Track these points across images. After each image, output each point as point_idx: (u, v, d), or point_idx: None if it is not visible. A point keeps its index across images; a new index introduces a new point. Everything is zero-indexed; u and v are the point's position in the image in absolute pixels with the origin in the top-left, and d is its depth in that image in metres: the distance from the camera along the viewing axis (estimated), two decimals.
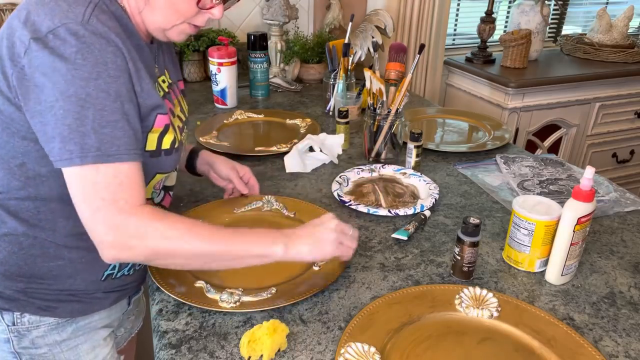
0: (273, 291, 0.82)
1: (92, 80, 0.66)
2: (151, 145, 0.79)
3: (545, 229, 0.87)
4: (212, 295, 0.81)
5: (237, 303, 0.80)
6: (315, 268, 0.88)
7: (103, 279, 0.87)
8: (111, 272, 0.87)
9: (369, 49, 1.83)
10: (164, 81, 0.88)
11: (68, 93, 0.65)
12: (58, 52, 0.65)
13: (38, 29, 0.67)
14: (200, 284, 0.84)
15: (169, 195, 0.96)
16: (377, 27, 1.86)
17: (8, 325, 0.82)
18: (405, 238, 0.98)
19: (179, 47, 1.82)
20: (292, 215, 1.04)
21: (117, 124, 0.69)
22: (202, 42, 1.85)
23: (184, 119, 0.94)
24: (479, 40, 2.34)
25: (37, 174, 0.75)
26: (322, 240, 0.78)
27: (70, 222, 0.78)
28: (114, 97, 0.68)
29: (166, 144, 0.81)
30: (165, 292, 0.82)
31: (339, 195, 1.12)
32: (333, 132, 1.43)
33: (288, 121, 1.55)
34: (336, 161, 1.32)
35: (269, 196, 1.09)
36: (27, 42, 0.66)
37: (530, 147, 2.28)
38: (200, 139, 1.39)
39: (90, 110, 0.66)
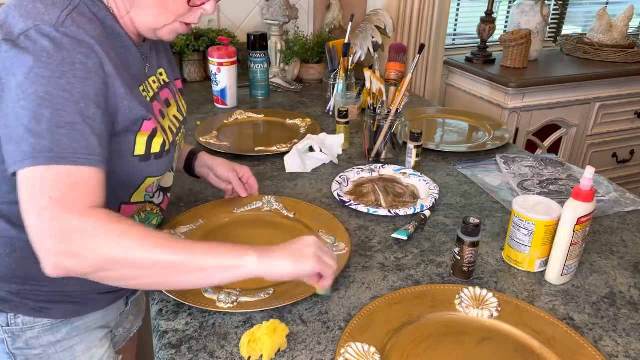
0: (271, 291, 0.82)
1: (54, 79, 0.63)
2: (140, 149, 0.77)
3: (545, 229, 0.87)
4: (210, 295, 0.81)
5: (235, 303, 0.80)
6: None
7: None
8: None
9: (369, 49, 1.83)
10: (154, 81, 0.86)
11: (29, 92, 0.63)
12: (26, 52, 0.64)
13: (11, 31, 0.66)
14: None
15: (167, 197, 0.96)
16: (377, 27, 1.86)
17: (2, 326, 0.82)
18: (405, 238, 0.98)
19: (178, 47, 1.81)
20: (292, 216, 1.04)
21: (75, 126, 0.64)
22: (202, 42, 1.85)
23: (181, 119, 0.93)
24: (479, 40, 2.34)
25: None
26: (300, 255, 0.71)
27: None
28: (76, 99, 0.65)
29: (156, 147, 0.79)
30: (164, 292, 0.82)
31: (339, 195, 1.12)
32: (333, 132, 1.43)
33: (288, 121, 1.55)
34: (336, 161, 1.32)
35: (269, 196, 1.09)
36: None
37: (530, 147, 2.28)
38: (200, 139, 1.39)
39: (47, 110, 0.63)
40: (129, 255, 0.63)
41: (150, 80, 0.85)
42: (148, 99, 0.81)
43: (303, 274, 0.72)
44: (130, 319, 1.08)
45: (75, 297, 0.85)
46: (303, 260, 0.70)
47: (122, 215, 0.68)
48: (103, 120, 0.68)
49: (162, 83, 0.89)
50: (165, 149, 0.82)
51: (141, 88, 0.80)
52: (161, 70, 0.89)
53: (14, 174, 0.64)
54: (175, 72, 0.96)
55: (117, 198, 0.80)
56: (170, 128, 0.87)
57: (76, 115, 0.64)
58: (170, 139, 0.85)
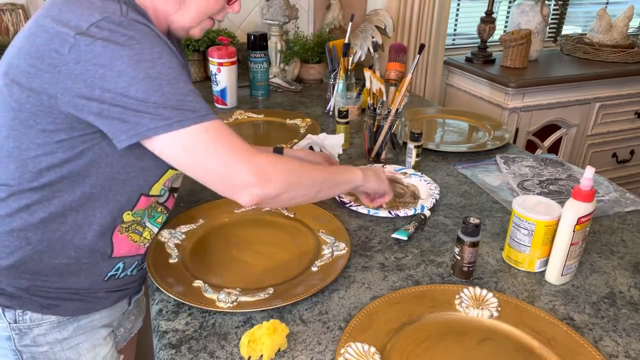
0: (271, 291, 0.82)
1: (156, 60, 0.69)
2: None
3: (545, 229, 0.87)
4: (210, 295, 0.81)
5: (234, 303, 0.80)
6: (314, 269, 0.88)
7: (106, 279, 0.87)
8: (115, 272, 0.88)
9: (369, 49, 1.83)
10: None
11: (139, 77, 0.67)
12: (111, 42, 0.67)
13: (78, 25, 0.67)
14: (198, 283, 0.84)
15: (173, 197, 0.97)
16: (377, 27, 1.86)
17: (10, 323, 0.83)
18: (405, 238, 0.98)
19: None
20: (292, 216, 1.04)
21: (192, 92, 0.72)
22: (202, 42, 1.85)
23: None
24: (479, 40, 2.34)
25: (50, 165, 0.75)
26: (382, 178, 1.00)
27: (80, 216, 0.79)
28: (179, 72, 0.72)
29: None
30: (164, 292, 0.82)
31: (339, 196, 1.12)
32: (333, 132, 1.43)
33: (288, 121, 1.55)
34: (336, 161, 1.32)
35: None
36: (72, 38, 0.67)
37: (530, 147, 2.28)
38: None
39: (167, 87, 0.69)
40: (300, 179, 0.80)
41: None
42: None
43: (380, 191, 1.01)
44: (131, 319, 1.09)
45: (83, 294, 0.86)
46: (383, 184, 1.00)
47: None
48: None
49: None
50: None
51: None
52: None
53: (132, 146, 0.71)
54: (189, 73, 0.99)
55: (138, 188, 0.82)
56: None
57: (188, 84, 0.73)
58: None
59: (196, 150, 0.71)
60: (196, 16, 0.82)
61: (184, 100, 0.70)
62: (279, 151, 1.10)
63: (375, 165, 1.01)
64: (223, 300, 0.80)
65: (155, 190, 0.86)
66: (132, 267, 0.90)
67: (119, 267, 0.88)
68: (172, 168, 0.85)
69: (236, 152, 0.73)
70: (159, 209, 0.94)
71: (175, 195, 0.98)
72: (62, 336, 0.87)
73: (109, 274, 0.87)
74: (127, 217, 0.85)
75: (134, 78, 0.67)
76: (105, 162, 0.77)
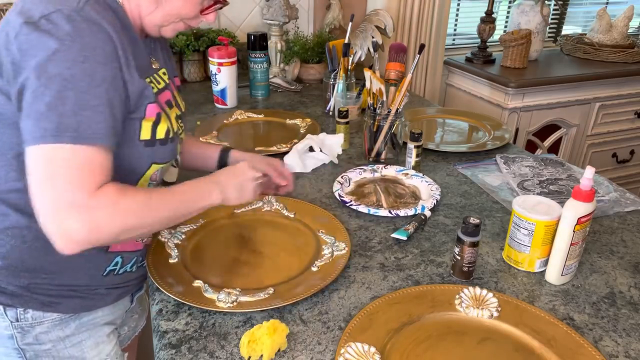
0: (271, 291, 0.82)
1: (78, 62, 0.67)
2: (145, 134, 0.80)
3: (545, 229, 0.87)
4: (210, 295, 0.81)
5: (234, 303, 0.80)
6: (314, 269, 0.88)
7: (105, 274, 0.87)
8: (113, 267, 0.88)
9: (369, 49, 1.83)
10: (164, 73, 0.89)
11: (52, 73, 0.65)
12: (48, 34, 0.66)
13: (31, 15, 0.68)
14: (198, 283, 0.84)
15: None
16: (377, 27, 1.86)
17: (12, 322, 0.83)
18: (405, 238, 0.98)
19: (178, 47, 1.81)
20: (292, 216, 1.04)
21: (97, 109, 0.68)
22: (202, 42, 1.85)
23: (178, 113, 0.94)
24: (479, 40, 2.34)
25: None
26: (246, 189, 0.89)
27: None
28: (98, 82, 0.68)
29: (160, 133, 0.82)
30: (164, 292, 0.82)
31: (339, 195, 1.12)
32: (333, 132, 1.43)
33: (288, 121, 1.55)
34: (336, 161, 1.32)
35: (269, 196, 1.09)
36: (18, 26, 0.67)
37: (530, 147, 2.28)
38: (201, 139, 1.39)
39: (72, 92, 0.66)
40: (141, 221, 0.73)
41: (161, 72, 0.88)
42: (155, 89, 0.84)
43: (245, 202, 0.92)
44: (135, 318, 1.09)
45: (83, 291, 0.86)
46: (247, 193, 0.89)
47: (123, 185, 0.73)
48: (119, 104, 0.73)
49: (167, 82, 0.91)
50: (170, 136, 0.84)
51: (147, 80, 0.82)
52: (164, 70, 0.91)
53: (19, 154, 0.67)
54: (173, 70, 0.98)
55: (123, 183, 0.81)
56: (176, 117, 0.90)
57: (98, 99, 0.68)
58: (175, 127, 0.88)
59: (44, 166, 0.66)
60: (168, 16, 0.82)
61: (77, 112, 0.66)
62: (226, 151, 1.10)
63: (240, 164, 0.91)
64: (223, 300, 0.80)
65: (142, 184, 0.85)
66: (131, 262, 0.90)
67: (117, 262, 0.87)
68: (156, 163, 0.84)
69: (73, 190, 0.66)
70: None
71: None
72: (64, 334, 0.87)
73: (108, 269, 0.87)
74: None
75: (47, 72, 0.65)
76: None
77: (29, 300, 0.82)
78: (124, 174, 0.80)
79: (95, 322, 0.91)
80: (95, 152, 0.68)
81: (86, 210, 0.67)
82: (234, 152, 1.10)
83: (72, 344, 0.88)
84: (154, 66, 0.87)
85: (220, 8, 0.87)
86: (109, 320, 0.94)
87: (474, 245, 0.86)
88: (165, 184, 0.95)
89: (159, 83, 0.86)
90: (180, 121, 0.94)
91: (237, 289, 0.82)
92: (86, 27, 0.68)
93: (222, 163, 1.10)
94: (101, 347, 0.93)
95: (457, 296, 0.82)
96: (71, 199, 0.66)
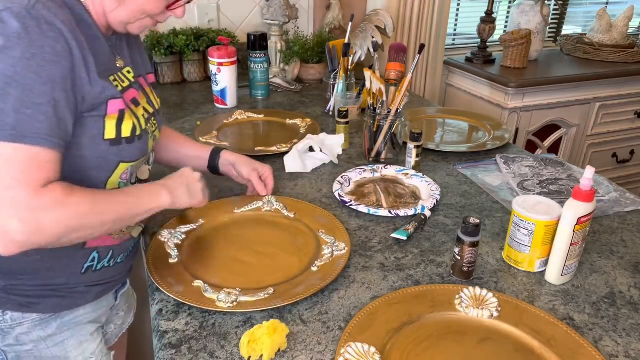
0: (271, 291, 0.82)
1: (24, 60, 0.66)
2: (110, 133, 0.78)
3: (545, 229, 0.87)
4: (210, 295, 0.81)
5: (234, 303, 0.80)
6: (314, 269, 0.88)
7: (83, 271, 0.86)
8: (91, 264, 0.86)
9: (369, 49, 1.83)
10: (129, 72, 0.87)
11: None
12: None
13: None
14: (198, 283, 0.84)
15: None
16: (377, 27, 1.86)
17: None
18: (405, 238, 0.98)
19: (178, 47, 1.81)
20: (292, 216, 1.04)
21: (41, 108, 0.67)
22: (202, 42, 1.85)
23: (151, 110, 0.92)
24: (479, 40, 2.34)
25: None
26: (195, 190, 0.90)
27: None
28: (44, 81, 0.67)
29: (126, 131, 0.80)
30: (164, 291, 0.82)
31: (339, 195, 1.12)
32: (333, 132, 1.43)
33: (288, 121, 1.55)
34: (336, 161, 1.32)
35: (270, 196, 1.09)
36: None
37: (530, 147, 2.28)
38: (201, 139, 1.39)
39: (15, 89, 0.65)
40: (85, 222, 0.71)
41: (125, 70, 0.86)
42: (120, 88, 0.82)
43: (196, 205, 0.92)
44: (121, 315, 1.08)
45: (62, 290, 0.85)
46: (197, 194, 0.90)
47: (69, 185, 0.72)
48: (68, 104, 0.71)
49: (132, 80, 0.88)
50: (137, 134, 0.83)
51: (112, 78, 0.80)
52: (128, 68, 0.88)
53: None
54: (146, 66, 0.96)
55: (91, 184, 0.80)
56: (143, 115, 0.87)
57: (42, 97, 0.67)
58: (143, 125, 0.86)
59: None
60: (133, 13, 0.80)
61: (18, 110, 0.65)
62: (216, 152, 1.09)
63: (184, 168, 0.92)
64: (223, 300, 0.80)
65: (112, 184, 0.83)
66: (108, 257, 0.88)
67: (94, 258, 0.86)
68: (123, 161, 0.83)
69: (16, 188, 0.65)
70: None
71: None
72: (45, 333, 0.86)
73: (86, 266, 0.85)
74: None
75: None
76: None
77: (6, 302, 0.81)
78: (91, 173, 0.79)
79: (77, 321, 0.90)
80: (38, 151, 0.67)
81: (28, 209, 0.65)
82: (224, 153, 1.09)
83: (54, 344, 0.87)
84: (118, 64, 0.84)
85: (189, 2, 0.84)
86: (92, 319, 0.93)
87: (474, 245, 0.86)
88: (139, 182, 0.93)
89: (123, 82, 0.84)
90: (153, 119, 0.92)
91: (237, 289, 0.82)
92: (35, 25, 0.67)
93: (213, 164, 1.09)
94: (85, 346, 0.91)
95: (457, 296, 0.82)
96: (12, 197, 0.65)
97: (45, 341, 0.87)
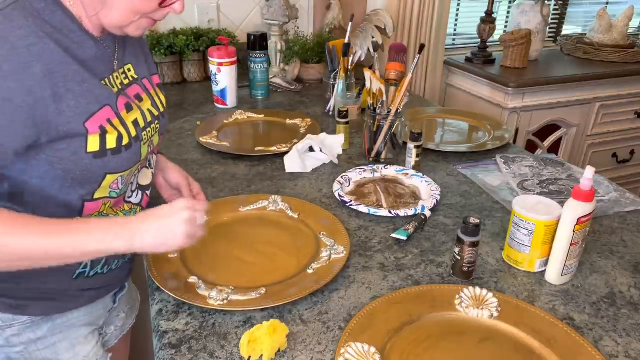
0: (262, 291, 0.82)
1: None
2: (93, 146, 0.74)
3: (545, 229, 0.87)
4: (202, 291, 0.82)
5: (225, 301, 0.80)
6: (309, 271, 0.88)
7: (75, 277, 0.84)
8: (83, 270, 0.84)
9: (369, 49, 1.83)
10: (129, 69, 0.84)
11: None
12: None
13: None
14: (193, 279, 0.84)
15: (146, 195, 0.92)
16: (377, 27, 1.86)
17: None
18: (405, 238, 0.98)
19: (178, 47, 1.81)
20: (296, 216, 1.04)
21: None
22: (202, 42, 1.85)
23: (156, 113, 0.89)
24: (479, 40, 2.34)
25: None
26: (171, 234, 0.73)
27: None
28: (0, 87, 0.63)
29: (111, 142, 0.76)
30: (157, 283, 0.82)
31: (340, 195, 1.12)
32: (333, 132, 1.43)
33: (288, 121, 1.55)
34: (336, 161, 1.32)
35: (275, 196, 1.09)
36: None
37: (530, 147, 2.28)
38: (201, 139, 1.39)
39: None
40: (6, 254, 0.66)
41: (125, 69, 0.83)
42: (116, 89, 0.79)
43: (171, 250, 0.80)
44: (121, 317, 1.06)
45: (54, 294, 0.83)
46: (174, 240, 0.73)
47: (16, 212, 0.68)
48: (12, 125, 0.66)
49: (131, 79, 0.85)
50: (124, 144, 0.78)
51: (103, 82, 0.77)
52: (129, 66, 0.85)
53: None
54: (151, 68, 0.93)
55: (78, 196, 0.77)
56: (136, 121, 0.82)
57: None
58: (134, 133, 0.80)
59: None
60: (125, 15, 0.74)
61: None
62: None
63: (178, 201, 0.76)
64: (214, 297, 0.80)
65: (101, 194, 0.80)
66: (101, 264, 0.86)
67: (86, 264, 0.84)
68: (110, 173, 0.78)
69: None
70: (134, 210, 0.89)
71: (149, 192, 0.93)
72: (36, 336, 0.85)
73: (78, 272, 0.84)
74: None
75: None
76: (30, 175, 0.72)
77: None
78: (76, 186, 0.76)
79: (70, 324, 0.88)
80: None
81: None
82: (160, 157, 1.00)
83: (45, 346, 0.86)
84: (115, 64, 0.81)
85: None
86: (86, 322, 0.91)
87: (474, 245, 0.86)
88: (140, 187, 0.90)
89: (122, 80, 0.81)
90: (157, 122, 0.89)
91: (230, 287, 0.82)
92: None
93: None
94: (78, 349, 0.90)
95: (457, 296, 0.82)
96: None
97: (36, 343, 0.86)
